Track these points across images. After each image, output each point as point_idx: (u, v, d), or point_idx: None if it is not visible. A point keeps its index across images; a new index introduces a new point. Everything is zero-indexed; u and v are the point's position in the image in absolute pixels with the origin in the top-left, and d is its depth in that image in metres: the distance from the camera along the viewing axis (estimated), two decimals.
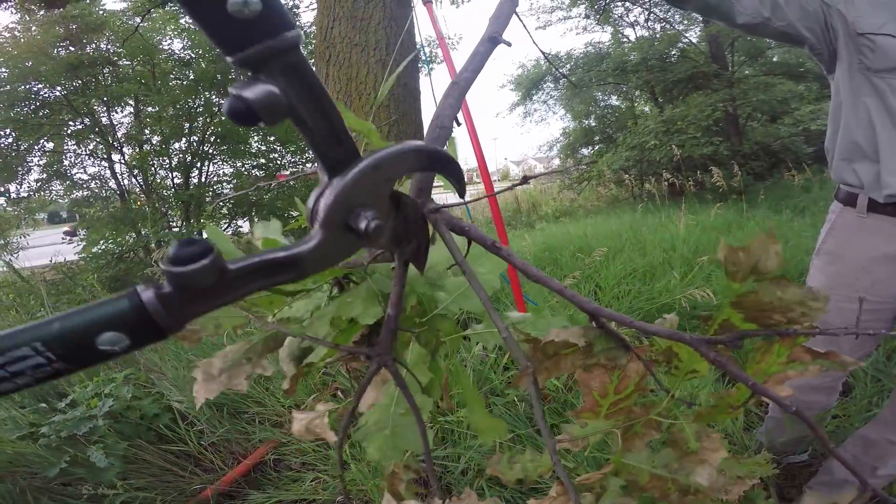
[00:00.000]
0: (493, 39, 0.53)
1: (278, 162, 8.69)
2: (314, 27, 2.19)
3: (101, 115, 7.33)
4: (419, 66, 2.34)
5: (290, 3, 8.38)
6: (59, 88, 6.65)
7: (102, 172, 7.99)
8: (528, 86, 10.21)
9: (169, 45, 7.82)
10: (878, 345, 1.20)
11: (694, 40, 8.82)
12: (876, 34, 0.99)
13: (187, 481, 1.82)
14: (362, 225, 0.24)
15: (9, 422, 2.06)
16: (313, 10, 8.44)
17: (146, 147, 7.98)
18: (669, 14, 8.55)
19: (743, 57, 8.42)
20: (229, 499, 1.72)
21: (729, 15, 1.06)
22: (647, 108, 10.65)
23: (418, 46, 2.15)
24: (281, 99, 0.22)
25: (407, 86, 1.97)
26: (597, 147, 9.98)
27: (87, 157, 7.99)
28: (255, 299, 0.43)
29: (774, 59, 8.59)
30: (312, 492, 1.55)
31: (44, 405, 2.16)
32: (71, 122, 7.42)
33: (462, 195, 0.34)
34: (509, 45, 0.57)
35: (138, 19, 6.85)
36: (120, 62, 6.90)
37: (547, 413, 1.54)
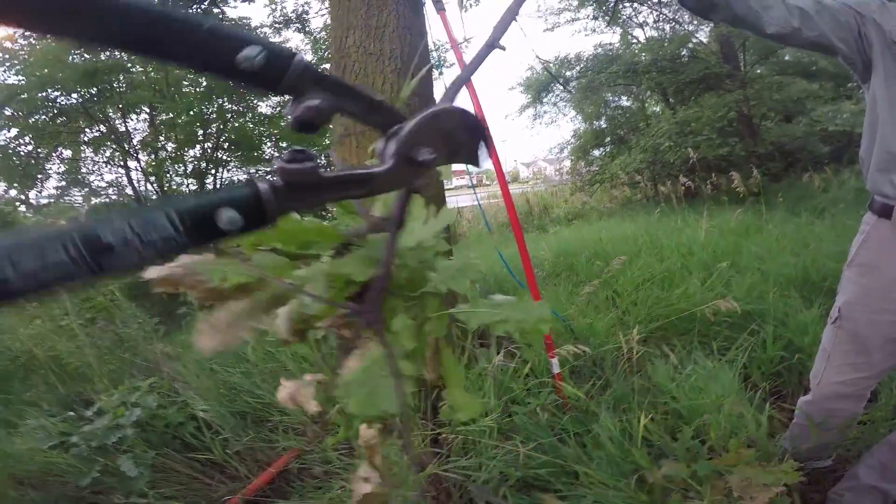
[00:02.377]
0: (490, 45, 0.56)
1: None
2: (328, 36, 2.21)
3: (117, 122, 7.48)
4: (433, 74, 2.36)
5: (300, 10, 8.44)
6: (75, 96, 6.78)
7: (119, 179, 8.16)
8: (538, 88, 10.20)
9: None
10: None
11: (704, 40, 8.75)
12: None
13: (213, 489, 1.83)
14: (421, 157, 0.31)
15: (39, 431, 2.11)
16: (322, 16, 8.50)
17: (161, 154, 8.13)
18: (678, 14, 8.49)
19: (755, 56, 8.32)
20: None
21: (758, 26, 1.07)
22: (657, 109, 10.57)
23: (431, 54, 2.17)
24: (315, 107, 0.28)
25: (422, 95, 1.99)
26: (608, 149, 9.93)
27: (104, 164, 8.17)
28: (263, 263, 0.43)
29: (787, 59, 8.48)
30: (338, 501, 1.55)
31: (72, 413, 2.20)
32: (87, 130, 7.58)
33: (481, 160, 0.38)
34: (503, 49, 0.61)
35: None
36: (133, 69, 7.01)
37: (569, 422, 1.54)
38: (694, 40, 8.56)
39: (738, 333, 2.13)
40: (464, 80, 0.52)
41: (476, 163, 0.38)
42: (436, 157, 0.32)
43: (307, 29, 8.72)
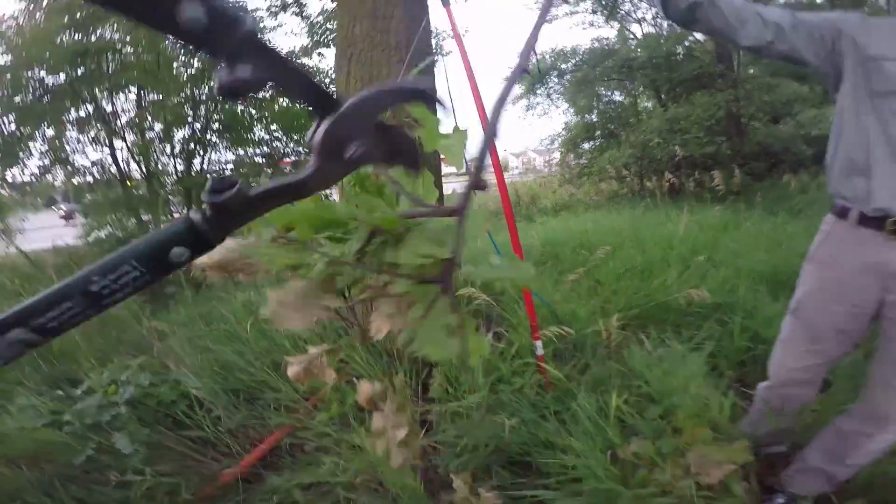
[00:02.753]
0: (522, 69, 0.61)
1: (281, 150, 8.74)
2: (336, 24, 2.25)
3: (104, 102, 7.34)
4: (434, 66, 2.41)
5: None
6: (62, 75, 6.65)
7: (104, 159, 8.03)
8: (532, 79, 10.22)
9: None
10: (857, 344, 1.30)
11: (700, 38, 8.85)
12: (883, 59, 1.07)
13: (207, 466, 1.88)
14: (349, 153, 0.30)
15: (29, 410, 2.11)
16: (320, 0, 8.37)
17: (149, 134, 8.01)
18: None
19: (749, 57, 8.47)
20: (247, 483, 1.77)
21: (734, 39, 1.15)
22: (649, 105, 10.69)
23: (433, 45, 2.22)
24: (245, 78, 0.27)
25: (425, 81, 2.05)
26: (598, 142, 10.05)
27: (89, 144, 8.02)
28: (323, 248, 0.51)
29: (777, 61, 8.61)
30: (331, 474, 1.63)
31: (59, 392, 2.20)
32: (73, 109, 7.43)
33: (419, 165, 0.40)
34: (528, 73, 0.67)
35: None
36: (124, 50, 6.89)
37: (550, 400, 1.64)
38: (690, 38, 8.66)
39: (710, 323, 2.26)
40: (500, 107, 0.54)
41: (415, 166, 0.37)
42: (365, 151, 0.30)
43: (304, 13, 8.61)
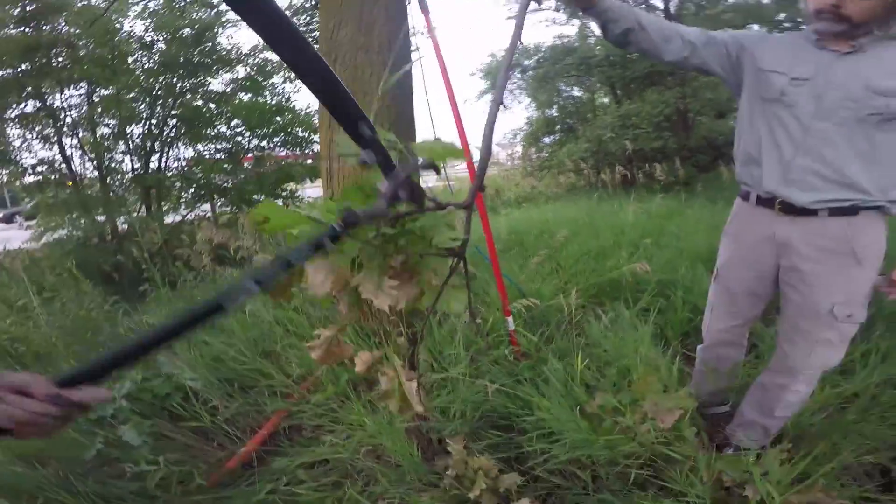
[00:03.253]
0: (500, 103, 0.83)
1: (244, 146, 8.61)
2: (318, 27, 2.36)
3: (52, 97, 7.03)
4: (412, 59, 2.57)
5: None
6: (9, 70, 6.33)
7: (53, 157, 7.67)
8: (497, 74, 10.41)
9: (131, 26, 7.54)
10: (766, 304, 1.57)
11: None
12: (771, 71, 1.31)
13: (212, 454, 1.93)
14: (402, 195, 0.59)
15: None
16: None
17: (101, 131, 7.72)
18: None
19: None
20: (251, 468, 1.83)
21: (658, 55, 1.38)
22: (605, 100, 11.16)
23: (413, 48, 2.39)
24: (380, 159, 0.61)
25: (403, 86, 2.22)
26: (557, 136, 10.44)
27: (35, 141, 7.64)
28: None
29: None
30: (332, 451, 1.76)
31: None
32: (15, 105, 7.06)
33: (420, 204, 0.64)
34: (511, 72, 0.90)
35: (102, 2, 6.57)
36: (78, 44, 6.62)
37: (524, 368, 1.89)
38: None
39: (657, 298, 2.57)
40: (495, 113, 0.79)
41: (420, 204, 0.63)
42: (407, 196, 0.59)
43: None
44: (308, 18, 8.06)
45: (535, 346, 2.01)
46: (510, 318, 2.05)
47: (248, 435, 2.05)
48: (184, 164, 8.28)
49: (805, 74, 1.26)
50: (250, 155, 8.49)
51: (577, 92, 11.30)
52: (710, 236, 3.49)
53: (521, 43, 0.92)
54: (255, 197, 7.83)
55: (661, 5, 9.39)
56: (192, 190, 7.48)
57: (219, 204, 8.08)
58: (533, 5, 1.12)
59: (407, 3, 2.34)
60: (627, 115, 7.54)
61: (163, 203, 7.65)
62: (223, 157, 8.38)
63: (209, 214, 8.11)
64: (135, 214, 7.53)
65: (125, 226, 6.71)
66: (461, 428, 1.69)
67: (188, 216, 7.87)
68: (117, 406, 1.96)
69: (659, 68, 8.23)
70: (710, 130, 8.59)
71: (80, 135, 7.64)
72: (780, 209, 1.35)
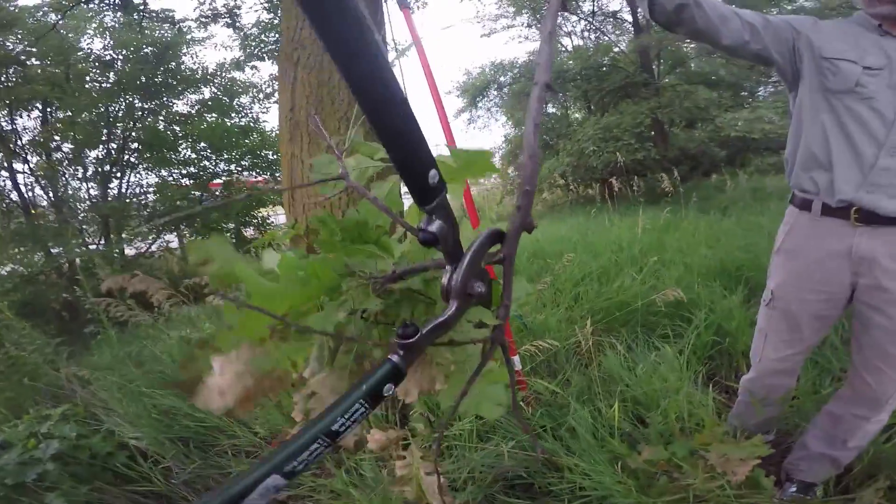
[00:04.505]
0: (548, 86, 0.54)
1: (211, 171, 8.20)
2: (281, 28, 2.10)
3: (2, 119, 6.52)
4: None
5: (231, 4, 7.88)
6: None
7: (2, 183, 7.11)
8: (474, 93, 10.42)
9: (88, 44, 7.14)
10: (830, 329, 1.36)
11: (624, 50, 9.42)
12: (838, 59, 1.13)
13: None
14: (476, 290, 0.40)
15: None
16: (256, 11, 8.00)
17: (56, 155, 7.22)
18: (603, 24, 9.13)
19: (667, 67, 9.15)
20: None
21: (715, 38, 1.18)
22: (578, 116, 11.23)
23: (391, 50, 2.13)
24: (446, 228, 0.38)
25: None
26: None
27: None
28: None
29: (692, 69, 9.41)
30: None
31: None
32: None
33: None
34: (556, 91, 0.61)
35: (55, 16, 6.16)
36: (29, 62, 6.18)
37: (541, 415, 1.58)
38: (616, 49, 9.21)
39: (674, 321, 2.31)
40: (535, 130, 0.51)
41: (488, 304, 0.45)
42: (484, 288, 0.41)
43: (237, 24, 8.20)
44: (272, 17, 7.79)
45: (550, 390, 1.70)
46: (517, 358, 1.75)
47: None
48: (147, 190, 7.83)
49: (877, 64, 1.11)
50: (218, 181, 8.11)
51: (551, 108, 11.36)
52: (715, 249, 3.28)
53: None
54: (224, 225, 7.43)
55: (630, 18, 9.53)
56: (152, 219, 6.99)
57: (185, 233, 7.64)
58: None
59: (384, 1, 2.09)
60: (608, 127, 7.48)
61: (122, 233, 7.14)
62: (189, 182, 7.96)
63: (175, 244, 7.66)
64: (92, 246, 7.03)
65: (79, 260, 6.18)
66: (473, 497, 1.36)
67: (152, 247, 7.40)
68: (41, 469, 1.69)
69: (634, 79, 8.26)
70: (685, 140, 8.64)
71: (33, 160, 7.13)
72: (858, 219, 1.15)
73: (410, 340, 0.37)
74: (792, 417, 1.72)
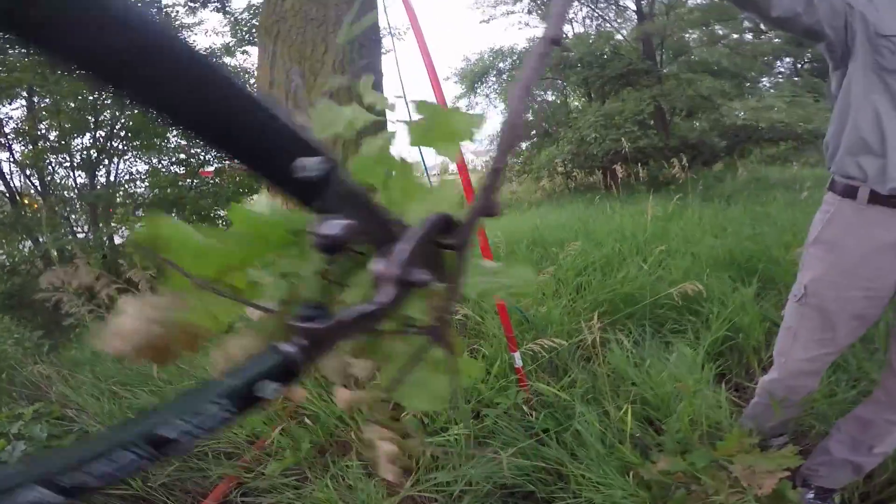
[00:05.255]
0: (554, 41, 0.42)
1: (201, 157, 8.01)
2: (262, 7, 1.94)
3: None
4: (382, 48, 2.15)
5: None
6: None
7: None
8: (473, 79, 10.21)
9: None
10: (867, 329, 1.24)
11: (624, 38, 9.23)
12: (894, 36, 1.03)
13: None
14: (418, 278, 0.31)
15: None
16: None
17: (41, 143, 7.01)
18: (604, 11, 8.94)
19: (670, 55, 8.98)
20: None
21: (764, 9, 1.07)
22: (578, 104, 11.07)
23: (382, 28, 1.97)
24: (351, 225, 0.29)
25: (370, 65, 1.78)
26: (534, 141, 10.22)
27: None
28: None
29: (693, 58, 9.24)
30: None
31: None
32: None
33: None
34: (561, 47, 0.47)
35: None
36: (12, 50, 5.96)
37: (544, 418, 1.45)
38: (619, 37, 9.03)
39: (683, 315, 2.18)
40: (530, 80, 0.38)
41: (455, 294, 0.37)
42: (427, 277, 0.32)
43: (227, 9, 7.95)
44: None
45: (552, 391, 1.56)
46: (517, 354, 1.61)
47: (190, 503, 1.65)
48: (135, 177, 7.65)
49: None
50: (210, 169, 7.93)
51: (550, 96, 11.18)
52: (723, 239, 3.15)
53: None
54: (216, 211, 7.27)
55: (632, 6, 9.32)
56: (142, 206, 6.82)
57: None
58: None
59: None
60: (609, 115, 7.31)
61: (110, 222, 6.96)
62: (179, 171, 7.77)
63: None
64: (81, 235, 6.86)
65: (67, 249, 6.02)
66: None
67: None
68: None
69: (637, 66, 8.08)
70: (686, 130, 8.50)
71: (18, 149, 6.93)
72: None
73: (313, 326, 0.28)
74: (807, 419, 1.61)
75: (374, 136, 0.43)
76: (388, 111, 0.49)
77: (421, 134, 0.41)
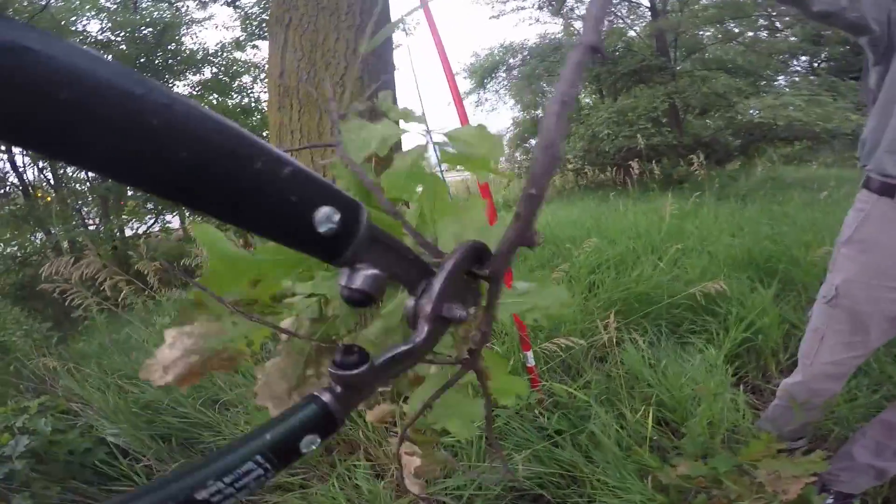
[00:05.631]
0: (594, 49, 0.38)
1: None
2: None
3: None
4: (393, 42, 2.10)
5: None
6: None
7: (1, 167, 6.98)
8: (482, 74, 10.13)
9: (84, 25, 6.94)
10: None
11: (636, 35, 9.11)
12: None
13: None
14: (455, 315, 0.30)
15: None
16: None
17: None
18: (617, 8, 8.81)
19: (684, 52, 8.84)
20: None
21: (807, 2, 1.03)
22: (589, 101, 10.95)
23: (398, 18, 1.92)
24: (381, 276, 0.27)
25: (381, 57, 1.74)
26: None
27: None
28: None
29: (707, 56, 9.09)
30: None
31: None
32: None
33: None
34: (605, 57, 0.44)
35: (60, 2, 6.00)
36: None
37: (558, 419, 1.40)
38: (631, 33, 8.91)
39: (699, 316, 2.12)
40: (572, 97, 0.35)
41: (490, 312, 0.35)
42: (465, 313, 0.30)
43: (237, 3, 7.94)
44: None
45: (566, 391, 1.51)
46: (530, 353, 1.57)
47: None
48: None
49: None
50: None
51: None
52: (740, 238, 3.07)
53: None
54: None
55: (645, 2, 9.18)
56: (150, 199, 6.85)
57: (188, 215, 7.55)
58: None
59: None
60: (622, 111, 7.21)
61: (121, 214, 7.01)
62: None
63: (176, 225, 7.56)
64: (92, 227, 6.91)
65: (78, 241, 6.06)
66: None
67: (152, 227, 7.28)
68: (8, 469, 1.56)
69: (650, 62, 7.96)
70: (700, 128, 8.37)
71: None
72: None
73: (352, 372, 0.26)
74: (827, 423, 1.56)
75: (405, 152, 0.43)
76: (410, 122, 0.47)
77: (453, 157, 0.41)
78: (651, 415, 1.38)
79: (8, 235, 5.93)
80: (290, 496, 1.46)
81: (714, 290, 1.61)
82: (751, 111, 6.92)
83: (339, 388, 0.26)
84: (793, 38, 9.16)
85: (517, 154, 10.75)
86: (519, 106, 10.67)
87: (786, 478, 0.95)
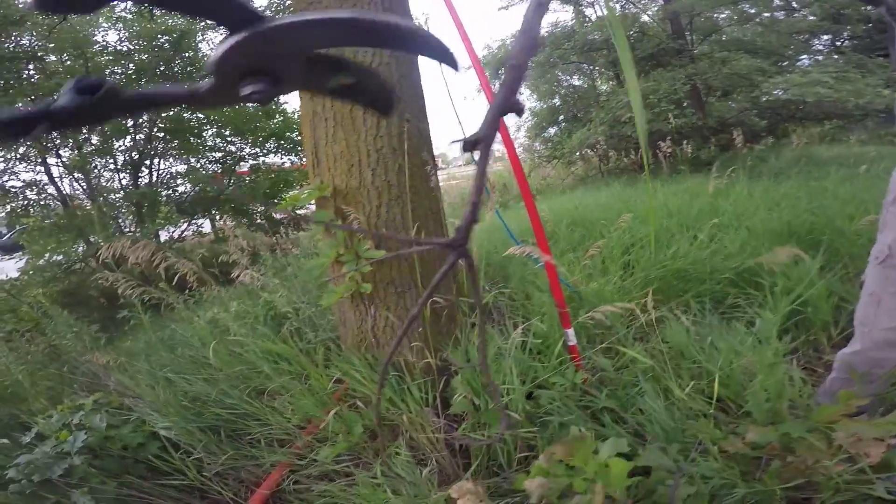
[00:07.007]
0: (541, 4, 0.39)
1: (236, 155, 8.20)
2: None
3: None
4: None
5: None
6: None
7: (38, 178, 7.27)
8: (496, 65, 10.02)
9: (103, 37, 7.14)
10: None
11: (650, 20, 8.89)
12: None
13: None
14: (244, 91, 0.28)
15: None
16: None
17: (86, 148, 7.32)
18: None
19: (701, 35, 8.59)
20: None
21: None
22: (605, 87, 10.74)
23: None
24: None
25: (397, 8, 1.72)
26: (562, 126, 9.97)
27: (17, 162, 7.23)
28: None
29: (723, 38, 8.78)
30: None
31: (5, 441, 1.83)
32: None
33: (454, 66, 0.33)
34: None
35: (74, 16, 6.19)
36: (47, 57, 6.21)
37: (605, 397, 1.38)
38: (645, 18, 8.69)
39: (743, 290, 2.06)
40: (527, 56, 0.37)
41: (388, 111, 0.36)
42: (263, 91, 0.28)
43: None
44: None
45: (611, 366, 1.49)
46: (570, 331, 1.55)
47: (244, 493, 1.66)
48: (176, 177, 7.92)
49: None
50: (246, 168, 8.12)
51: (576, 81, 10.88)
52: (782, 212, 2.97)
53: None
54: (252, 207, 7.46)
55: None
56: (182, 204, 7.04)
57: (217, 218, 7.74)
58: None
59: None
60: (644, 94, 7.04)
61: (155, 220, 7.23)
62: (217, 170, 7.99)
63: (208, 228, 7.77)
64: (129, 232, 7.14)
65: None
66: None
67: (185, 232, 7.50)
68: (67, 464, 1.60)
69: (665, 47, 7.75)
70: (723, 109, 8.11)
71: (65, 154, 7.25)
72: None
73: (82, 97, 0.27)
74: (891, 395, 1.49)
75: None
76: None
77: None
78: (698, 390, 1.35)
79: (53, 245, 6.18)
80: (336, 485, 1.48)
81: (785, 256, 1.53)
82: (776, 91, 6.63)
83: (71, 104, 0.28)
84: (812, 18, 8.75)
85: (536, 144, 10.63)
86: (535, 96, 10.53)
87: (867, 440, 0.91)
